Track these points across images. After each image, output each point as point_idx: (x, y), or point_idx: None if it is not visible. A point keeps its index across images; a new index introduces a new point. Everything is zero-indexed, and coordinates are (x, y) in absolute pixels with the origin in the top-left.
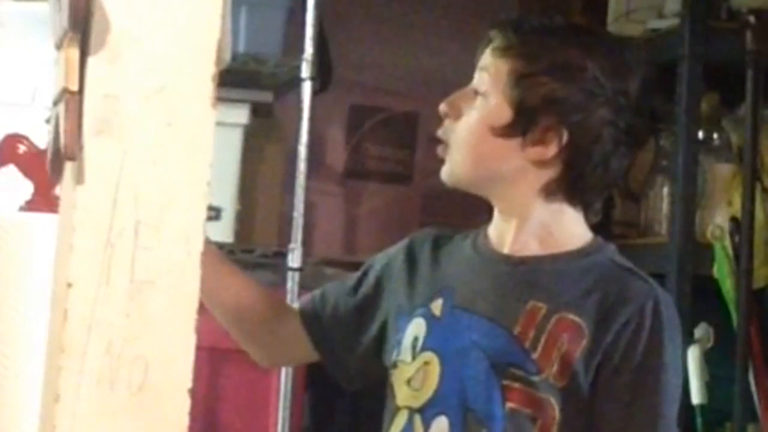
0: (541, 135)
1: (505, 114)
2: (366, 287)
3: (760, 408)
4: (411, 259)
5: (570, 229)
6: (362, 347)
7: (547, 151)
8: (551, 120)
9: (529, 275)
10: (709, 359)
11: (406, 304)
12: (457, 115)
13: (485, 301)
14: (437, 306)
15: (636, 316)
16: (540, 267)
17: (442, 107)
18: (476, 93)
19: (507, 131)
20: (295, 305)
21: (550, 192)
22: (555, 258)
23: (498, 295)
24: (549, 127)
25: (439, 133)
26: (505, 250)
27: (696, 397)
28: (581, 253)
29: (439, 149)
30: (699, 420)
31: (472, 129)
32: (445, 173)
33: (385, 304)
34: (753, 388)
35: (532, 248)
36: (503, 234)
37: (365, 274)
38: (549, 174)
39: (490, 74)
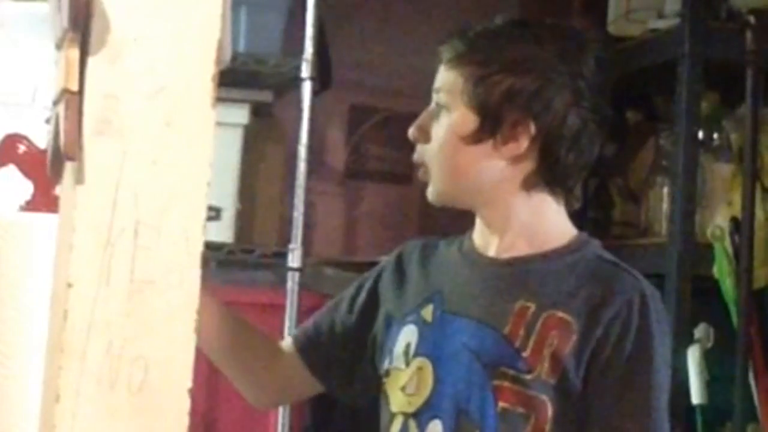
0: (510, 131)
1: (470, 121)
2: (362, 301)
3: (760, 408)
4: (400, 269)
5: (553, 224)
6: (365, 360)
7: (520, 146)
8: (516, 114)
9: (516, 276)
10: (709, 359)
11: (396, 313)
12: (427, 137)
13: (474, 303)
14: (428, 312)
15: (624, 310)
16: (527, 267)
17: (411, 132)
18: (438, 111)
19: (477, 137)
20: (287, 341)
21: (530, 185)
22: (542, 257)
23: (487, 297)
24: (516, 122)
25: (415, 157)
26: (491, 253)
27: (696, 397)
28: (567, 249)
29: (420, 173)
30: (699, 420)
31: (444, 144)
32: (431, 194)
33: (380, 315)
34: (753, 388)
35: (519, 248)
36: (489, 237)
37: (359, 290)
38: (526, 168)
39: (446, 89)
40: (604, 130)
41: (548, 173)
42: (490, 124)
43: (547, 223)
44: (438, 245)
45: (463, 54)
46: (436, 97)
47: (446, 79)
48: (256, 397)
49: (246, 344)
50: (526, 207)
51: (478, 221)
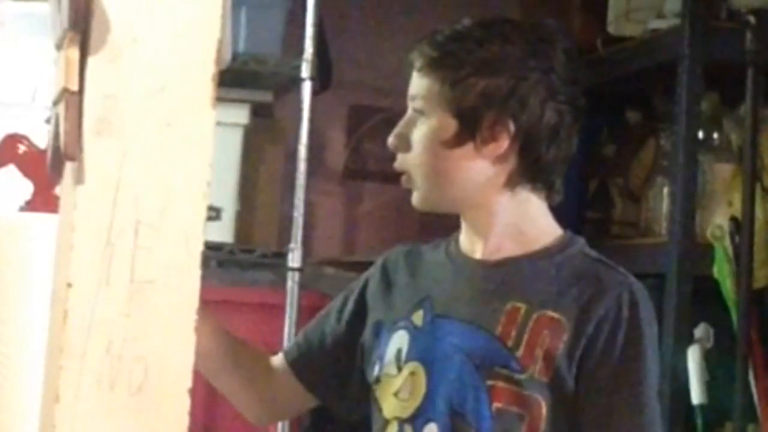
0: (489, 132)
1: (449, 125)
2: (350, 311)
3: (760, 408)
4: (386, 277)
5: (538, 222)
6: (357, 371)
7: (501, 145)
8: (494, 115)
9: (506, 277)
10: (709, 359)
11: (385, 320)
12: (407, 145)
13: (465, 306)
14: (418, 317)
15: (614, 308)
16: (516, 268)
17: (391, 141)
18: (415, 118)
19: (458, 140)
20: (279, 357)
21: (514, 184)
22: (530, 257)
23: (477, 299)
24: (494, 122)
25: (396, 165)
26: (478, 255)
27: (696, 397)
28: (554, 249)
29: (403, 180)
30: (699, 420)
31: (426, 151)
32: (416, 201)
33: (368, 324)
34: (753, 388)
35: (506, 249)
36: (475, 240)
37: (345, 301)
38: (509, 166)
39: (422, 96)
40: (580, 121)
41: (530, 170)
42: (469, 126)
43: (532, 221)
44: (422, 250)
45: (436, 59)
46: (412, 104)
47: (421, 85)
48: (253, 415)
49: (239, 363)
50: (510, 206)
51: (463, 224)
